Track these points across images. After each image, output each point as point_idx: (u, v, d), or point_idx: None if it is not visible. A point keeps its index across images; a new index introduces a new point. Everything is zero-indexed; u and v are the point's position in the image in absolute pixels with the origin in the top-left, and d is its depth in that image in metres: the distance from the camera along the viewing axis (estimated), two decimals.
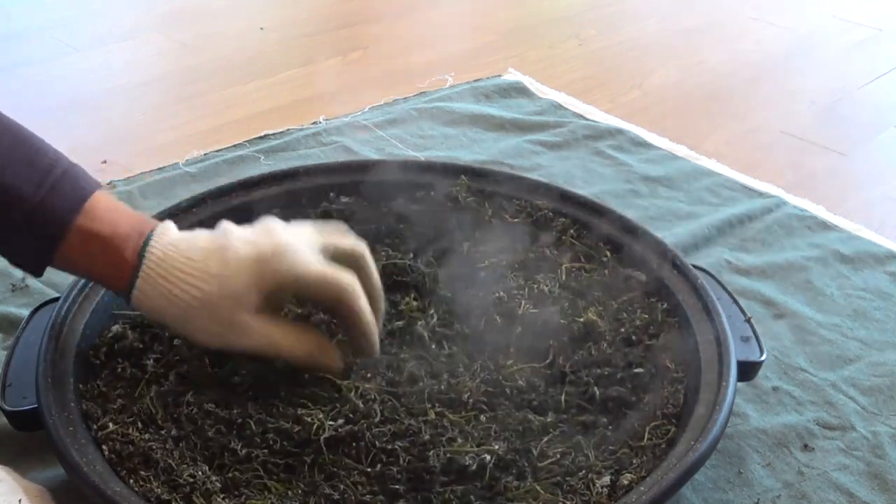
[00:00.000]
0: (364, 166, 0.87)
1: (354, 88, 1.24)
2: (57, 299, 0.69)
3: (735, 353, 0.65)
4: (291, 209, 0.81)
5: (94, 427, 0.60)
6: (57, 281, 0.82)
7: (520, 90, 1.22)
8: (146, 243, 0.60)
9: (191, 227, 0.76)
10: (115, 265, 0.60)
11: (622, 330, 0.70)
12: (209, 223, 0.78)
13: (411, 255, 0.77)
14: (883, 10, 1.58)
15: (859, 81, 1.32)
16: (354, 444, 0.59)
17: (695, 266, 0.75)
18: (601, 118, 1.16)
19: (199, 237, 0.62)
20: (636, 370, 0.66)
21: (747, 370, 0.67)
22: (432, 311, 0.72)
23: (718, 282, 0.75)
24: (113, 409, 0.62)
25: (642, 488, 0.55)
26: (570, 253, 0.78)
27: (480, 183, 0.84)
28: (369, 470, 0.58)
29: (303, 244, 0.61)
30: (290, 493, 0.57)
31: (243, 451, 0.59)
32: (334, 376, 0.63)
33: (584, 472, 0.59)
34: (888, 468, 0.67)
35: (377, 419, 0.61)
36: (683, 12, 1.57)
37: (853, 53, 1.42)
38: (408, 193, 0.83)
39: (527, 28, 1.51)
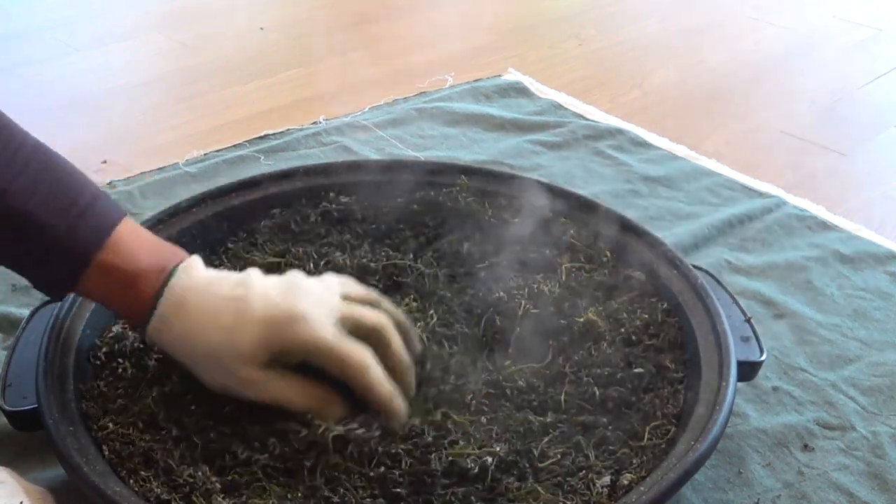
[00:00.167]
0: (364, 166, 0.87)
1: (354, 88, 1.25)
2: None
3: (735, 353, 0.65)
4: (291, 209, 0.82)
5: (95, 428, 0.60)
6: None
7: (520, 90, 1.22)
8: (166, 282, 0.60)
9: (191, 227, 0.77)
10: (132, 301, 0.60)
11: (622, 330, 0.70)
12: (209, 223, 0.79)
13: (411, 256, 0.77)
14: (883, 10, 1.58)
15: (859, 81, 1.32)
16: (356, 448, 0.59)
17: (695, 266, 0.75)
18: (601, 118, 1.16)
19: (221, 283, 0.61)
20: (636, 370, 0.66)
21: (747, 370, 0.67)
22: (432, 312, 0.71)
23: (718, 282, 0.75)
24: (113, 409, 0.62)
25: (642, 488, 0.55)
26: (570, 253, 0.78)
27: (480, 183, 0.84)
28: (371, 474, 0.58)
29: (321, 313, 0.60)
30: (289, 496, 0.57)
31: (244, 454, 0.59)
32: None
33: (584, 472, 0.59)
34: (888, 468, 0.67)
35: (380, 423, 0.61)
36: (683, 12, 1.57)
37: (853, 53, 1.42)
38: (408, 193, 0.83)
39: (527, 28, 1.51)
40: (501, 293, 0.72)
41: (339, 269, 0.74)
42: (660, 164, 1.06)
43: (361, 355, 0.60)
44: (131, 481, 0.57)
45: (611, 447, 0.61)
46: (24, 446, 0.65)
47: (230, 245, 0.79)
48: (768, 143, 1.15)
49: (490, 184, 0.84)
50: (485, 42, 1.42)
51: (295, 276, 0.63)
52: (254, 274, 0.62)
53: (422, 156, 1.05)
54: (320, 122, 1.12)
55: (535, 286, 0.73)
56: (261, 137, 1.08)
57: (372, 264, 0.76)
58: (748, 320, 0.71)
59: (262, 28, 1.46)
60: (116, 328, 0.68)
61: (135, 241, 0.61)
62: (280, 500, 0.56)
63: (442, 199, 0.83)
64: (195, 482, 0.56)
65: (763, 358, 0.68)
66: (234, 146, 1.06)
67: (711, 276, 0.76)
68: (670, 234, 0.90)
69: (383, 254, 0.77)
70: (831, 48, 1.45)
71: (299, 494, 0.57)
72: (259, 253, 0.78)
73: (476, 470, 0.57)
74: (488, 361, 0.68)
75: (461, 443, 0.60)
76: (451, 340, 0.69)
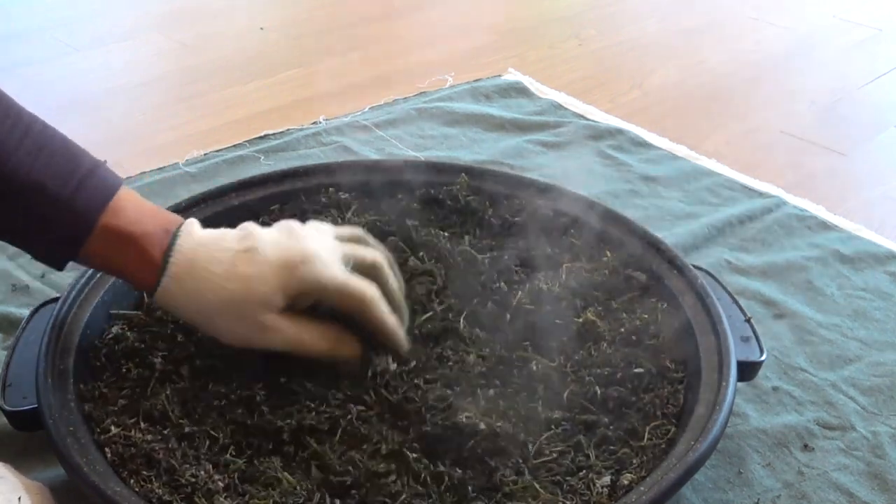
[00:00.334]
0: (363, 166, 0.87)
1: (354, 88, 1.25)
2: (57, 299, 0.69)
3: (735, 353, 0.65)
4: (290, 206, 0.82)
5: (97, 430, 0.60)
6: (57, 281, 0.82)
7: (520, 90, 1.22)
8: (173, 241, 0.60)
9: None
10: (141, 263, 0.60)
11: (622, 330, 0.70)
12: (209, 223, 0.79)
13: (411, 257, 0.77)
14: (883, 10, 1.58)
15: (859, 81, 1.32)
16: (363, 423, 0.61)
17: (695, 266, 0.75)
18: (601, 118, 1.16)
19: (226, 237, 0.62)
20: (636, 370, 0.66)
21: (747, 370, 0.67)
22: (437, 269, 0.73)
23: (718, 282, 0.75)
24: (114, 410, 0.62)
25: (642, 488, 0.55)
26: (570, 253, 0.78)
27: (480, 183, 0.84)
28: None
29: (327, 252, 0.63)
30: (297, 487, 0.57)
31: (253, 446, 0.60)
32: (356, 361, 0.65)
33: (584, 471, 0.59)
34: (888, 468, 0.67)
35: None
36: (683, 12, 1.57)
37: (853, 53, 1.42)
38: (407, 193, 0.83)
39: (527, 28, 1.51)
40: (501, 293, 0.72)
41: None
42: (660, 164, 1.06)
43: (371, 290, 0.63)
44: (132, 482, 0.57)
45: (611, 447, 0.61)
46: (24, 446, 0.65)
47: None
48: (768, 143, 1.15)
49: (490, 184, 0.84)
50: (485, 42, 1.42)
51: (289, 223, 0.65)
52: (253, 227, 0.64)
53: (422, 156, 1.05)
54: (320, 122, 1.12)
55: (535, 285, 0.73)
56: (261, 137, 1.08)
57: (364, 218, 0.78)
58: (748, 320, 0.71)
59: (262, 28, 1.46)
60: (115, 329, 0.68)
61: (136, 206, 0.61)
62: (284, 495, 0.56)
63: (442, 198, 0.83)
64: (197, 482, 0.57)
65: (763, 358, 0.68)
66: (234, 146, 1.06)
67: (711, 276, 0.76)
68: (670, 234, 0.90)
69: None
70: (831, 48, 1.45)
71: (305, 488, 0.57)
72: None
73: (465, 426, 0.59)
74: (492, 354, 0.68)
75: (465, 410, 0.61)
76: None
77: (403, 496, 0.56)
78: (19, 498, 0.55)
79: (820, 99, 1.27)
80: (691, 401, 0.63)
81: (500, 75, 1.26)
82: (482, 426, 0.59)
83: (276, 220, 0.80)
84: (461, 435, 0.59)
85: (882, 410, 0.72)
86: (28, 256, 0.62)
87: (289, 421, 0.61)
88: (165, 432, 0.60)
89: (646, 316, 0.71)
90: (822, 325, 0.81)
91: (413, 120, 1.13)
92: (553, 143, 1.09)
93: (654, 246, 0.76)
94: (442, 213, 0.82)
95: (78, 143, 0.62)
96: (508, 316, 0.70)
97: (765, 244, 0.92)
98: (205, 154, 1.04)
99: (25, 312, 0.73)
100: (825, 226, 0.95)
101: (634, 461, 0.60)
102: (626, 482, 0.58)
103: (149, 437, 0.59)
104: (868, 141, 1.17)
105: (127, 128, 1.14)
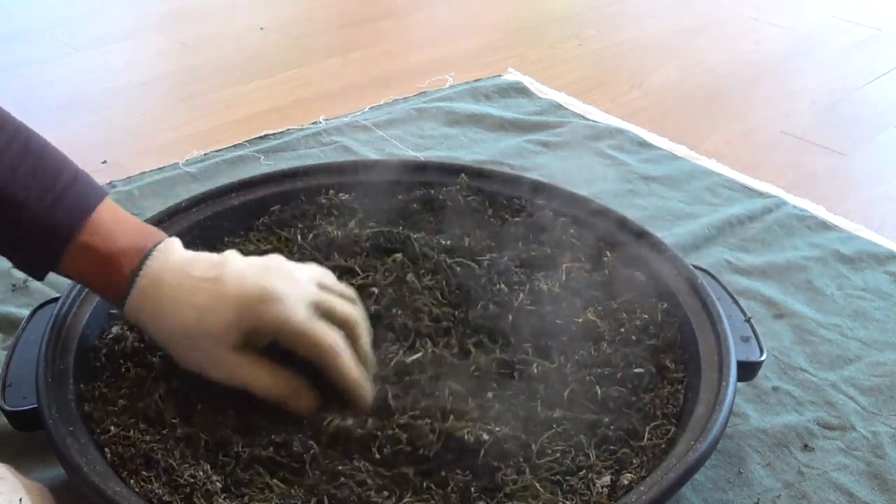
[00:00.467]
0: (363, 166, 0.87)
1: (354, 88, 1.25)
2: (57, 299, 0.69)
3: (735, 353, 0.65)
4: (290, 206, 0.82)
5: (97, 430, 0.60)
6: (57, 281, 0.82)
7: (520, 90, 1.22)
8: (143, 261, 0.60)
9: (191, 227, 0.77)
10: (110, 280, 0.60)
11: (622, 330, 0.70)
12: (209, 223, 0.79)
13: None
14: (883, 10, 1.58)
15: (859, 81, 1.32)
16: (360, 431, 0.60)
17: (695, 266, 0.75)
18: (601, 118, 1.16)
19: (198, 264, 0.61)
20: (636, 370, 0.66)
21: (747, 370, 0.67)
22: (422, 271, 0.73)
23: (718, 282, 0.75)
24: (114, 410, 0.62)
25: (642, 488, 0.55)
26: (570, 253, 0.78)
27: (480, 183, 0.84)
28: (377, 456, 0.59)
29: (294, 294, 0.60)
30: (292, 491, 0.57)
31: (247, 450, 0.59)
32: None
33: (584, 471, 0.59)
34: (888, 468, 0.67)
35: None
36: (683, 12, 1.57)
37: (853, 53, 1.42)
38: (407, 193, 0.83)
39: (527, 28, 1.51)
40: (501, 293, 0.72)
41: (328, 240, 0.76)
42: (660, 164, 1.06)
43: (333, 338, 0.61)
44: (132, 482, 0.57)
45: (611, 447, 0.61)
46: (24, 446, 0.65)
47: (229, 244, 0.79)
48: (768, 143, 1.15)
49: (490, 183, 0.84)
50: (485, 42, 1.42)
51: (274, 258, 0.64)
52: (232, 255, 0.63)
53: (422, 156, 1.05)
54: (320, 122, 1.12)
55: (536, 285, 0.73)
56: (261, 137, 1.08)
57: (365, 231, 0.77)
58: (748, 320, 0.71)
59: (262, 28, 1.46)
60: (115, 329, 0.68)
61: (114, 222, 0.61)
62: (283, 497, 0.56)
63: (442, 198, 0.83)
64: (196, 482, 0.57)
65: (763, 358, 0.68)
66: (234, 146, 1.06)
67: (711, 276, 0.76)
68: (670, 234, 0.90)
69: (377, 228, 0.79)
70: (831, 48, 1.45)
71: (302, 491, 0.57)
72: (254, 246, 0.78)
73: (471, 441, 0.58)
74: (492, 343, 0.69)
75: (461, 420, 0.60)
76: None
77: (405, 501, 0.56)
78: (20, 499, 0.55)
79: (820, 99, 1.27)
80: (691, 401, 0.63)
81: (500, 75, 1.26)
82: (485, 436, 0.59)
83: (276, 220, 0.81)
84: (465, 451, 0.59)
85: (882, 410, 0.72)
86: None
87: (273, 436, 0.60)
88: (164, 432, 0.60)
89: (646, 316, 0.71)
90: (822, 325, 0.81)
91: (413, 120, 1.13)
92: (553, 143, 1.09)
93: (654, 246, 0.76)
94: (442, 213, 0.82)
95: (78, 143, 0.62)
96: (510, 317, 0.70)
97: (765, 244, 0.92)
98: (205, 154, 1.04)
99: (25, 312, 0.73)
100: (825, 226, 0.95)
101: (634, 461, 0.60)
102: (626, 482, 0.58)
103: (148, 437, 0.59)
104: (868, 141, 1.17)
105: (127, 128, 1.14)
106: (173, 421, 0.61)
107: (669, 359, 0.68)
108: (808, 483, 0.66)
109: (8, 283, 0.82)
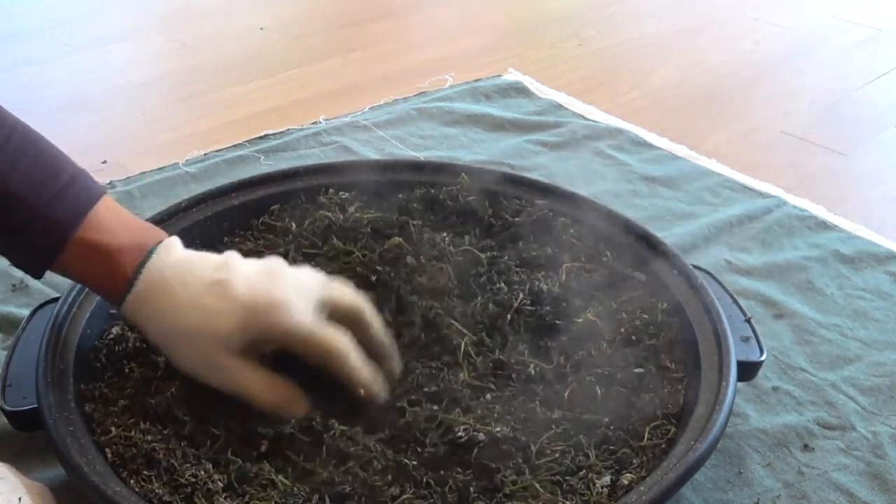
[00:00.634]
0: (363, 166, 0.87)
1: (354, 88, 1.25)
2: (57, 299, 0.69)
3: (735, 353, 0.65)
4: (290, 205, 0.82)
5: (98, 430, 0.60)
6: (57, 281, 0.82)
7: (520, 90, 1.22)
8: (145, 259, 0.60)
9: (191, 227, 0.77)
10: (110, 277, 0.60)
11: (622, 330, 0.70)
12: (209, 223, 0.79)
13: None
14: (883, 10, 1.58)
15: (859, 81, 1.32)
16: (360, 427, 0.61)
17: (695, 266, 0.75)
18: (601, 118, 1.16)
19: (202, 263, 0.61)
20: (636, 370, 0.66)
21: (747, 370, 0.67)
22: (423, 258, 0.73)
23: (718, 282, 0.75)
24: (114, 410, 0.62)
25: (642, 488, 0.55)
26: (570, 253, 0.78)
27: (480, 183, 0.84)
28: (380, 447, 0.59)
29: (301, 299, 0.60)
30: (295, 489, 0.57)
31: (270, 431, 0.60)
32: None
33: (584, 471, 0.59)
34: (888, 468, 0.67)
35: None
36: (683, 12, 1.57)
37: (853, 53, 1.42)
38: (407, 193, 0.83)
39: (527, 28, 1.51)
40: (501, 292, 0.72)
41: (329, 227, 0.77)
42: (660, 164, 1.06)
43: (340, 342, 0.61)
44: (132, 482, 0.57)
45: (611, 447, 0.61)
46: (24, 446, 0.65)
47: (229, 244, 0.79)
48: (768, 143, 1.15)
49: (490, 184, 0.84)
50: (485, 42, 1.42)
51: (275, 262, 0.63)
52: (234, 257, 0.62)
53: (422, 156, 1.05)
54: (320, 122, 1.12)
55: (536, 286, 0.73)
56: (261, 137, 1.08)
57: (366, 216, 0.78)
58: (748, 320, 0.71)
59: (262, 28, 1.46)
60: (115, 330, 0.68)
61: (114, 219, 0.61)
62: (284, 496, 0.56)
63: (442, 198, 0.83)
64: (197, 482, 0.56)
65: (763, 358, 0.68)
66: (234, 146, 1.06)
67: (711, 276, 0.76)
68: (670, 234, 0.90)
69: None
70: (831, 48, 1.45)
71: (305, 489, 0.57)
72: (252, 244, 0.79)
73: (464, 440, 0.59)
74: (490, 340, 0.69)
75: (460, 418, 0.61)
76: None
77: (404, 497, 0.56)
78: (20, 498, 0.55)
79: (820, 99, 1.27)
80: (691, 401, 0.63)
81: (500, 75, 1.26)
82: (481, 436, 0.59)
83: (276, 220, 0.81)
84: (462, 449, 0.59)
85: (882, 410, 0.72)
86: None
87: (268, 430, 0.60)
88: (165, 432, 0.60)
89: (646, 316, 0.71)
90: (822, 325, 0.81)
91: (413, 120, 1.13)
92: (553, 143, 1.09)
93: (654, 246, 0.76)
94: (442, 213, 0.82)
95: (78, 143, 0.62)
96: (509, 317, 0.70)
97: (765, 244, 0.92)
98: (205, 154, 1.04)
99: (25, 312, 0.73)
100: (825, 226, 0.95)
101: (634, 461, 0.60)
102: (626, 482, 0.58)
103: (149, 437, 0.59)
104: (868, 141, 1.17)
105: (127, 128, 1.14)
106: (185, 418, 0.61)
107: (669, 359, 0.68)
108: (808, 483, 0.66)
109: (8, 284, 0.82)
